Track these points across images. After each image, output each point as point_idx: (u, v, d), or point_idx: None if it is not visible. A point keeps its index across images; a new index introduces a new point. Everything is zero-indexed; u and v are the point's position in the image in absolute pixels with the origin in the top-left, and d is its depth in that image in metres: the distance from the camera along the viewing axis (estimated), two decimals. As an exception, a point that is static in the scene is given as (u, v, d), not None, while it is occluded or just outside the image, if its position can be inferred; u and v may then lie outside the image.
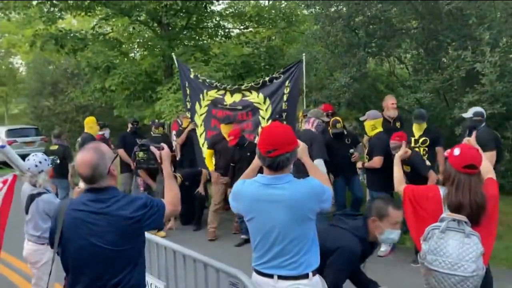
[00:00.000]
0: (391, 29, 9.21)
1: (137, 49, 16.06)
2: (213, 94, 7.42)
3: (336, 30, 9.32)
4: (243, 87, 7.38)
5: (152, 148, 2.63)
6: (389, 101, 6.66)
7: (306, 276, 2.45)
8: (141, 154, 2.65)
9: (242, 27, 15.45)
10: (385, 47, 9.55)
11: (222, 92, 7.36)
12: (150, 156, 2.64)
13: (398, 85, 10.35)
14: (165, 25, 13.27)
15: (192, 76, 7.72)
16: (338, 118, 6.57)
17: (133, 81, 12.01)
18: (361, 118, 6.29)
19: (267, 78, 7.25)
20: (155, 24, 13.70)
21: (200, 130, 7.64)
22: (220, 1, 14.38)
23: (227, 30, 15.35)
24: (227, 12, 14.72)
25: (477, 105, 6.83)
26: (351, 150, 6.42)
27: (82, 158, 2.30)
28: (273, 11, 14.62)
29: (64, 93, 18.88)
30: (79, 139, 7.61)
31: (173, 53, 8.95)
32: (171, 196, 2.53)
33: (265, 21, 14.61)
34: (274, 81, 7.06)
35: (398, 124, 6.52)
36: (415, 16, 9.02)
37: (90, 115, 18.61)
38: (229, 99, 7.28)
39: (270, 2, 15.95)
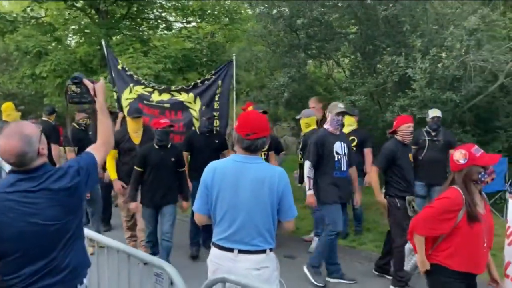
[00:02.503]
0: (330, 33, 9.42)
1: (73, 36, 15.28)
2: (139, 89, 6.97)
3: (277, 30, 9.40)
4: (173, 87, 7.16)
5: (85, 81, 2.51)
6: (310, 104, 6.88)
7: (263, 251, 2.63)
8: (73, 87, 2.51)
9: (184, 21, 15.20)
10: (324, 50, 9.77)
11: (150, 90, 6.98)
12: (83, 90, 2.51)
13: (335, 88, 10.61)
14: (103, 13, 12.73)
15: (119, 67, 7.20)
16: None
17: (66, 69, 11.35)
18: (297, 117, 6.64)
19: (198, 81, 7.21)
20: (93, 11, 13.11)
21: None
22: (162, -8, 14.04)
23: (169, 23, 15.03)
24: (169, 4, 14.41)
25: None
26: None
27: (6, 146, 2.08)
28: (217, 7, 14.50)
29: (-9, 78, 17.66)
30: None
31: (102, 40, 8.24)
32: (102, 130, 2.49)
33: (208, 16, 14.47)
34: (206, 82, 7.00)
35: None
36: (354, 21, 9.30)
37: (19, 103, 17.58)
38: (156, 97, 6.87)
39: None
